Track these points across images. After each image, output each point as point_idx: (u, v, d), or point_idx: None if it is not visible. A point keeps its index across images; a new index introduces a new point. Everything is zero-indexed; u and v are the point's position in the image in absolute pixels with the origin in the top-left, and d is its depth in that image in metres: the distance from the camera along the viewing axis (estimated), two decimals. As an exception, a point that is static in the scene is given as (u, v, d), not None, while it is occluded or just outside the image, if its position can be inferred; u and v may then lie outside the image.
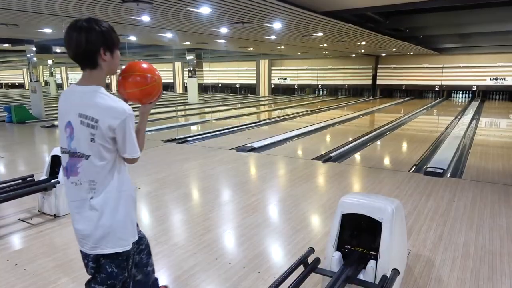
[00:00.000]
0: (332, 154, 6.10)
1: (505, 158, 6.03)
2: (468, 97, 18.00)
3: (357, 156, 6.40)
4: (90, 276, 1.60)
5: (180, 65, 24.91)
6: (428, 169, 5.11)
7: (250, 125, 9.85)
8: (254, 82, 22.92)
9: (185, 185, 4.72)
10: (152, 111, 12.56)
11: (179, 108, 15.12)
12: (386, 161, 6.11)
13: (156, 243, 3.04)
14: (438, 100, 17.85)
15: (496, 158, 6.05)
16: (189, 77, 18.12)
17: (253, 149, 6.54)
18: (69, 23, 1.43)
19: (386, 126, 9.55)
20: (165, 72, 25.85)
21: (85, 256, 1.57)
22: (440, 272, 2.60)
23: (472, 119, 10.80)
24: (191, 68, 17.93)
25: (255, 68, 22.76)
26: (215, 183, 4.76)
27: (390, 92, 19.84)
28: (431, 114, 13.06)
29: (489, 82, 17.00)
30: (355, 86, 20.21)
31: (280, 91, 22.29)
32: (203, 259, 2.76)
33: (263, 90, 22.68)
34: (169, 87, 25.92)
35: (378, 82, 19.77)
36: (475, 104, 15.37)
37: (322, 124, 9.68)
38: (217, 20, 7.94)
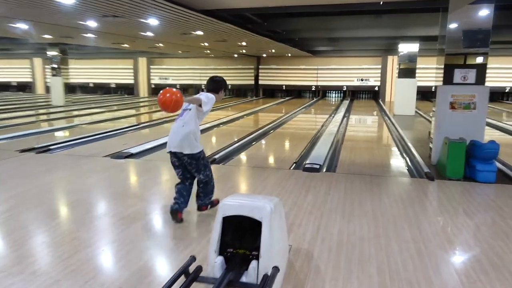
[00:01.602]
0: (216, 156, 6.18)
1: (370, 152, 6.94)
2: (340, 96, 20.26)
3: (242, 156, 6.61)
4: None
5: (41, 62, 22.28)
6: (307, 165, 5.57)
7: (128, 129, 9.34)
8: (132, 81, 21.88)
9: (49, 200, 4.21)
10: (4, 116, 10.90)
11: (40, 111, 13.48)
12: (269, 160, 6.44)
13: (7, 274, 2.63)
14: (315, 99, 19.64)
15: (364, 151, 6.91)
16: (52, 75, 16.34)
17: (131, 155, 6.23)
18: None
19: (269, 126, 10.10)
20: (21, 70, 22.81)
21: (178, 156, 3.54)
22: (318, 262, 2.84)
23: (344, 116, 12.17)
24: (55, 66, 16.20)
25: (132, 67, 21.74)
26: (86, 196, 4.37)
27: (272, 92, 21.09)
28: (309, 113, 14.29)
29: (356, 83, 19.43)
30: (238, 86, 20.91)
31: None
32: (69, 285, 2.49)
33: (143, 90, 21.82)
34: (27, 87, 22.97)
35: (260, 82, 20.84)
36: (346, 102, 17.36)
37: (207, 125, 9.74)
38: (82, 12, 7.31)
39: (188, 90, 22.28)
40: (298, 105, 16.09)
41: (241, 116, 12.46)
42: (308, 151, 6.78)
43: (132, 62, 21.58)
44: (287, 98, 20.00)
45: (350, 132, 9.29)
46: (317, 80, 19.90)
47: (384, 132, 9.99)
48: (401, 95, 12.81)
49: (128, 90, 21.99)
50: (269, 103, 17.20)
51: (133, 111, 14.15)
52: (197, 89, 22.04)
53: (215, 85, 3.71)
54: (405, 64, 12.90)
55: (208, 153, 6.57)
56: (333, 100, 19.69)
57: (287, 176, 5.16)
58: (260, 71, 20.74)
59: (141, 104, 17.43)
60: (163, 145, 7.23)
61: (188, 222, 3.61)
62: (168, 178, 5.16)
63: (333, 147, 7.24)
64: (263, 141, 8.19)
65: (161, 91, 3.07)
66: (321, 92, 20.58)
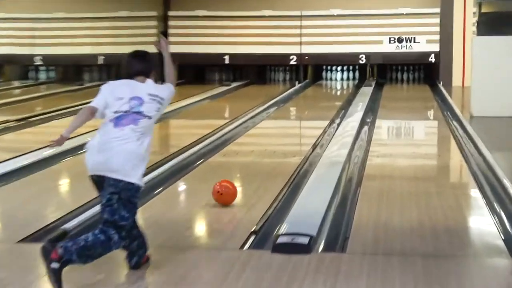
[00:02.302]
0: (70, 224, 6.10)
1: (423, 200, 7.09)
2: (353, 77, 20.70)
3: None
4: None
5: None
6: (281, 239, 5.56)
7: None
8: None
9: None
10: None
11: None
12: (195, 227, 6.44)
13: None
14: (297, 85, 19.93)
15: (407, 200, 7.07)
16: None
17: None
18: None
19: (195, 149, 10.21)
20: None
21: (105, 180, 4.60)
22: None
23: (362, 123, 12.42)
24: None
25: None
26: None
27: (199, 71, 21.30)
28: (285, 117, 14.49)
29: (388, 47, 19.90)
30: (122, 58, 20.88)
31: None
32: None
33: None
34: None
35: (173, 49, 20.83)
36: (366, 91, 17.74)
37: (45, 153, 9.62)
38: None
39: (3, 69, 21.97)
40: (261, 100, 16.28)
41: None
42: (283, 206, 6.85)
43: None
44: (234, 85, 20.19)
45: (377, 160, 9.49)
46: (301, 43, 20.23)
47: (452, 156, 10.26)
48: (484, 74, 13.20)
49: None
50: (194, 97, 17.34)
51: None
52: (25, 66, 21.79)
53: (144, 64, 5.09)
54: (491, 4, 13.36)
55: (48, 218, 6.53)
56: (338, 85, 20.12)
57: (236, 266, 5.12)
58: (171, 23, 20.81)
59: None
60: None
61: None
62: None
63: (339, 194, 7.35)
64: (180, 185, 8.24)
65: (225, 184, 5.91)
66: (310, 70, 20.95)
